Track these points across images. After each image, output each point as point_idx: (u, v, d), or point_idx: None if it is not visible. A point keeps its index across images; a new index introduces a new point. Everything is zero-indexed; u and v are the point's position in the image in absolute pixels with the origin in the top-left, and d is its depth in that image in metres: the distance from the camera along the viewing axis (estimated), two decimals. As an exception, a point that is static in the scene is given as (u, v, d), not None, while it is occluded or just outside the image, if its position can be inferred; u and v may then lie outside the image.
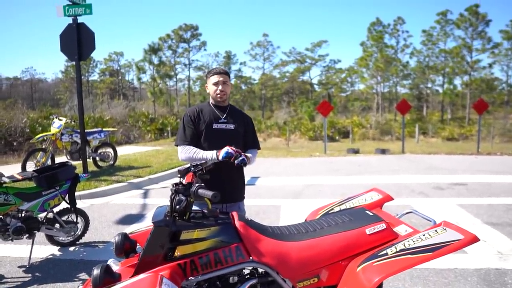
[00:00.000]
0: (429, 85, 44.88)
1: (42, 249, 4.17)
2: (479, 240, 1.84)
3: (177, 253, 1.90)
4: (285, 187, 7.65)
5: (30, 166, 7.60)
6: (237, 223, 2.02)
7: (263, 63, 53.00)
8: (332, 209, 2.54)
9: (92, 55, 8.32)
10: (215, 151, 2.50)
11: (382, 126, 30.55)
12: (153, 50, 41.19)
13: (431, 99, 46.17)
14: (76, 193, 4.33)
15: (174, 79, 49.49)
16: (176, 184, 1.97)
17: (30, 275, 3.55)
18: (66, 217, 4.17)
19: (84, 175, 4.45)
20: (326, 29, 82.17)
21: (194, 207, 2.36)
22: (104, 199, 6.68)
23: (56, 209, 4.05)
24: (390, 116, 40.41)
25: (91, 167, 8.71)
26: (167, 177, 8.63)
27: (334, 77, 51.95)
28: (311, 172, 9.63)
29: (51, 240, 4.14)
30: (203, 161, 2.35)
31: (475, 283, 3.27)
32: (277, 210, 5.84)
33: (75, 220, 4.23)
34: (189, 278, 1.88)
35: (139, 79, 44.94)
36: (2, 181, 3.57)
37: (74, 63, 7.62)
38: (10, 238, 3.61)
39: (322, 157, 13.43)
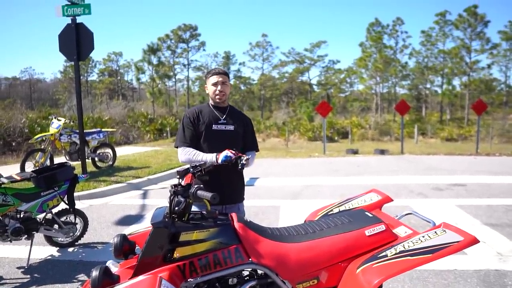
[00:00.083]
0: (428, 85, 45.01)
1: (41, 250, 4.16)
2: (479, 241, 1.84)
3: (176, 254, 1.90)
4: (284, 188, 7.65)
5: (29, 167, 7.58)
6: (236, 224, 2.01)
7: (262, 64, 53.06)
8: (332, 210, 2.54)
9: (91, 55, 8.33)
10: (214, 154, 2.49)
11: (381, 127, 30.60)
12: (152, 50, 41.19)
13: (430, 99, 46.25)
14: (75, 194, 4.32)
15: (173, 80, 49.55)
16: (175, 185, 1.97)
17: (28, 276, 3.54)
18: (65, 218, 4.16)
19: (83, 175, 4.44)
20: (325, 29, 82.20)
21: (194, 208, 2.36)
22: (103, 199, 6.66)
23: (55, 210, 4.04)
24: (389, 116, 40.44)
25: (90, 168, 8.70)
26: (166, 178, 8.62)
27: (333, 77, 51.98)
28: (310, 173, 9.63)
29: (50, 241, 4.13)
30: (202, 163, 2.34)
31: (475, 285, 3.27)
32: (276, 210, 5.84)
33: (74, 221, 4.21)
34: (188, 280, 1.88)
35: (138, 79, 44.96)
36: (0, 182, 3.56)
37: (73, 63, 7.61)
38: (9, 239, 3.60)
39: (321, 158, 13.43)
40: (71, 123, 8.88)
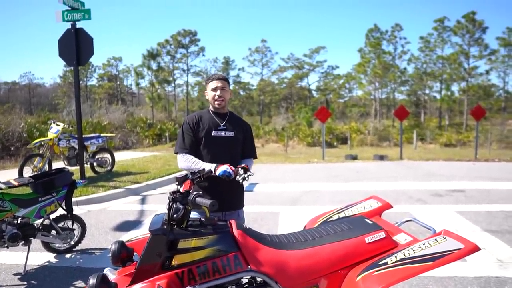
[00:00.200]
0: (427, 91, 45.12)
1: (38, 256, 4.13)
2: (480, 249, 1.83)
3: (175, 262, 1.88)
4: (283, 194, 7.63)
5: (27, 172, 7.55)
6: (235, 231, 1.99)
7: (262, 69, 53.25)
8: (331, 217, 2.52)
9: (90, 60, 8.32)
10: (214, 165, 2.47)
11: (380, 132, 30.58)
12: (152, 55, 41.33)
13: (428, 105, 46.36)
14: (73, 199, 4.31)
15: (173, 85, 49.58)
16: (174, 192, 1.95)
17: (25, 282, 3.51)
18: (62, 223, 4.14)
19: (81, 181, 4.42)
20: (324, 35, 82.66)
21: (193, 214, 2.35)
22: (101, 205, 6.63)
23: (52, 216, 4.02)
24: (388, 122, 40.48)
25: (89, 173, 8.67)
26: (165, 183, 8.59)
27: (332, 83, 52.15)
28: (309, 178, 9.61)
29: (47, 247, 4.10)
30: (201, 169, 2.33)
31: (475, 292, 3.25)
32: (275, 216, 5.82)
33: (71, 226, 4.19)
34: (187, 288, 1.86)
35: (137, 84, 45.08)
36: (-2, 188, 3.54)
37: (72, 68, 7.62)
38: (6, 245, 3.56)
39: (320, 163, 13.42)
40: (70, 128, 8.87)
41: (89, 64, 51.32)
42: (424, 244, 1.89)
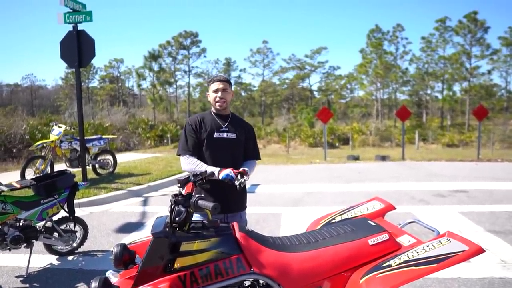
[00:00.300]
0: (429, 91, 45.11)
1: (40, 258, 4.13)
2: (484, 251, 1.81)
3: (177, 264, 1.87)
4: (285, 195, 7.61)
5: (29, 174, 7.56)
6: (238, 234, 1.99)
7: (263, 70, 53.30)
8: (334, 218, 2.51)
9: (92, 61, 8.34)
10: (218, 169, 2.47)
11: (382, 133, 30.58)
12: (153, 57, 41.40)
13: (430, 105, 46.32)
14: (75, 201, 4.30)
15: (174, 86, 49.70)
16: (176, 195, 1.94)
17: (28, 285, 3.51)
18: (64, 225, 4.13)
19: (83, 183, 4.42)
20: (326, 36, 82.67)
21: (196, 216, 2.34)
22: (104, 207, 6.63)
23: (54, 218, 4.01)
24: (390, 122, 40.46)
25: (91, 175, 8.67)
26: (167, 185, 8.59)
27: (334, 83, 52.12)
28: (311, 179, 9.59)
29: (50, 249, 4.10)
30: (203, 171, 2.32)
31: (479, 293, 3.23)
32: (277, 218, 5.80)
33: (73, 228, 4.18)
34: (189, 291, 1.85)
35: (139, 85, 45.14)
36: (0, 190, 3.53)
37: (74, 70, 7.63)
38: (8, 247, 3.56)
39: (322, 164, 13.40)
40: (72, 130, 8.88)
41: (91, 66, 51.50)
42: (428, 246, 1.88)
